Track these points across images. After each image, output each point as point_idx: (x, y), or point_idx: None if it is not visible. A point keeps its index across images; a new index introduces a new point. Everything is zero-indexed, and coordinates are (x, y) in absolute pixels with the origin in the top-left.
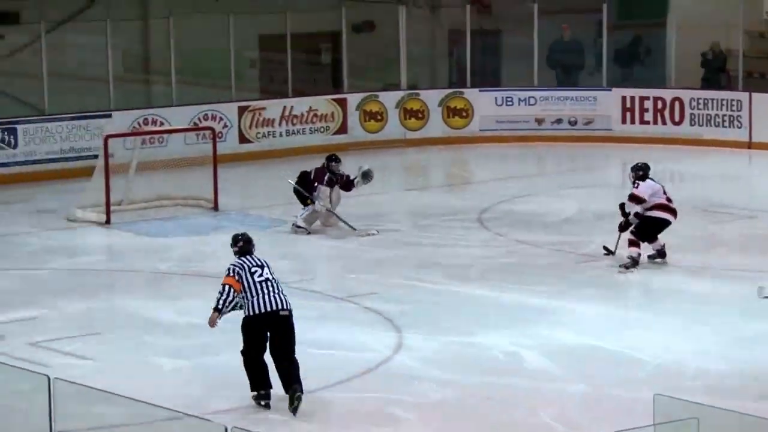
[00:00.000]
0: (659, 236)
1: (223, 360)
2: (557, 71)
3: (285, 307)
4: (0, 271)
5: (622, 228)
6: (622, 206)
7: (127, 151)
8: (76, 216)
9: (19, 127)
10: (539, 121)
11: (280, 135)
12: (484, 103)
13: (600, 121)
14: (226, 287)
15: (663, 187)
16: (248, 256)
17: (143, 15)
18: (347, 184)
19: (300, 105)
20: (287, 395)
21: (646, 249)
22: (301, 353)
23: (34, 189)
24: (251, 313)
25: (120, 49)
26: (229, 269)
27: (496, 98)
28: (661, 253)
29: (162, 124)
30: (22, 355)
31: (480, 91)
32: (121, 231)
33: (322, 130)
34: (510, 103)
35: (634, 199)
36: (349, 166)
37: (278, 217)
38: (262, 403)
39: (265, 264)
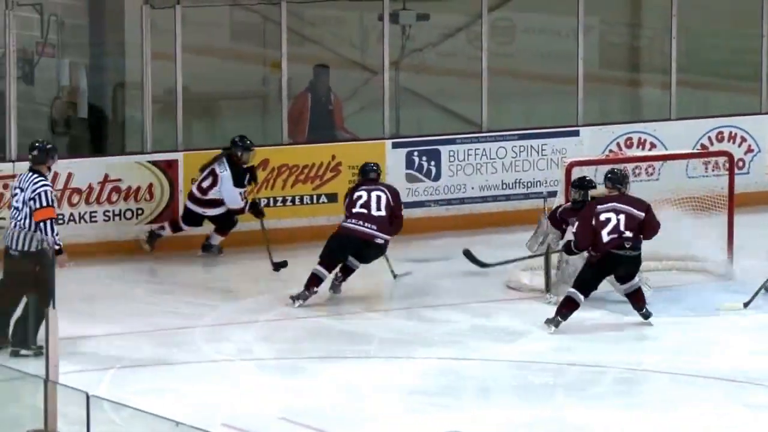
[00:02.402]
0: None
1: None
2: None
3: (14, 246)
4: (420, 361)
5: None
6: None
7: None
8: (521, 282)
9: (444, 150)
10: None
11: None
12: None
13: None
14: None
15: None
16: (28, 173)
17: None
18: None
19: None
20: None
21: None
22: None
23: (456, 239)
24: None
25: (596, 31)
26: None
27: None
28: None
29: (653, 146)
30: None
31: None
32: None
33: None
34: None
35: None
36: None
37: None
38: None
39: (29, 186)
